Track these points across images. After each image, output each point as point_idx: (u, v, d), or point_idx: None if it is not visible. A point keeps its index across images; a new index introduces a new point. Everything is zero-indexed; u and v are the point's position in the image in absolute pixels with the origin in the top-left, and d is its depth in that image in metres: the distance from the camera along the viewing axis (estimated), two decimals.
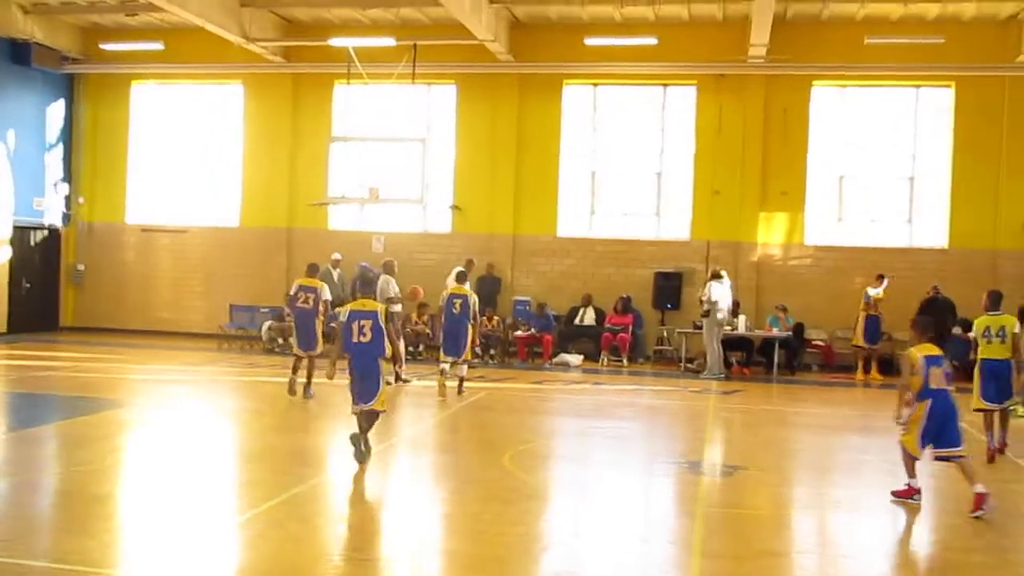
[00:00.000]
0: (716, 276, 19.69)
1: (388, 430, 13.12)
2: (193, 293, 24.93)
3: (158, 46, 23.48)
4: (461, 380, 15.69)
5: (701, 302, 19.89)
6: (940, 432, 9.17)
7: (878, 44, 20.54)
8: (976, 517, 8.63)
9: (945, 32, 20.62)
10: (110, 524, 7.96)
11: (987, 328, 11.88)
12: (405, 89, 22.22)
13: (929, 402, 9.15)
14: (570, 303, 22.57)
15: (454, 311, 15.47)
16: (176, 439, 11.77)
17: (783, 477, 10.88)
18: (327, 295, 15.14)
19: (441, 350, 15.81)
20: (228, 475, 10.20)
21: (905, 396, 9.27)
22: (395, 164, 21.01)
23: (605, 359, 21.11)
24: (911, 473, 9.39)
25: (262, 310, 22.95)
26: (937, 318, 14.39)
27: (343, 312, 10.50)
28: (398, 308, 16.97)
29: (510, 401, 15.87)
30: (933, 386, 9.16)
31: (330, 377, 10.64)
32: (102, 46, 24.32)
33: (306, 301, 14.81)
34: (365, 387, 10.26)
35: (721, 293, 19.50)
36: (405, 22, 22.66)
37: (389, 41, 21.69)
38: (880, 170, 22.36)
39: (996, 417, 11.91)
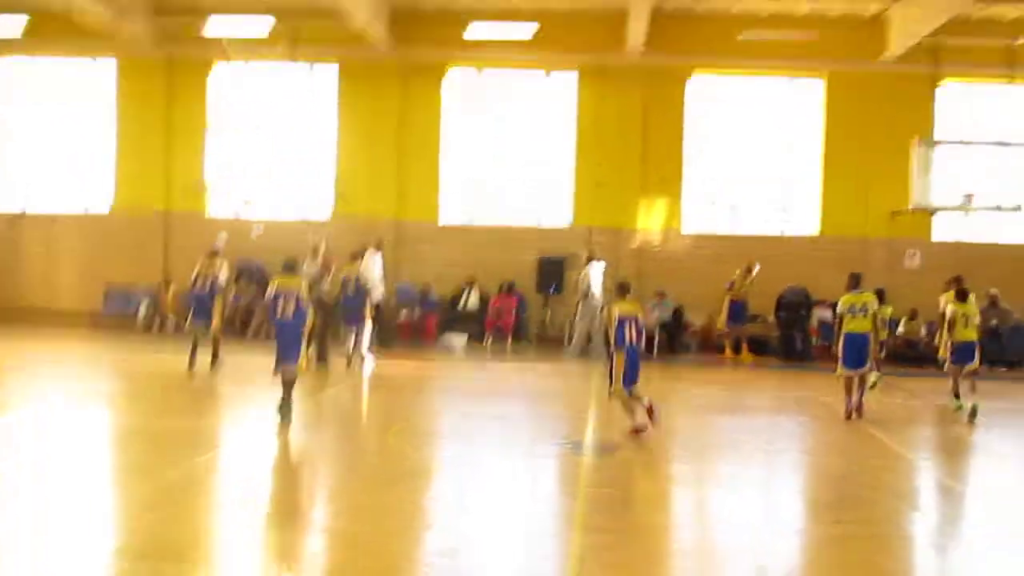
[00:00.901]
0: (592, 260, 20.08)
1: (269, 411, 12.98)
2: (65, 280, 23.93)
3: (23, 19, 22.39)
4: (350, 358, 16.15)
5: (577, 286, 20.25)
6: (634, 375, 11.47)
7: (752, 40, 21.08)
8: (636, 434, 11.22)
9: (814, 28, 21.34)
10: None
11: (851, 305, 13.43)
12: (285, 74, 21.95)
13: (624, 355, 11.41)
14: (454, 290, 22.59)
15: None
16: (52, 423, 11.39)
17: (663, 456, 11.12)
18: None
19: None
20: (105, 457, 9.95)
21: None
22: (277, 148, 20.77)
23: (489, 341, 21.22)
24: (635, 416, 11.48)
25: (139, 292, 22.42)
26: (794, 305, 19.44)
27: (270, 288, 11.73)
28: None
29: (394, 381, 15.81)
30: (627, 342, 11.41)
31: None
32: None
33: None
34: (289, 353, 11.35)
35: (596, 278, 19.88)
36: (284, 6, 22.11)
37: (268, 19, 21.24)
38: (755, 160, 22.98)
39: (855, 382, 13.38)
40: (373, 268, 17.68)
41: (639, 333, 11.55)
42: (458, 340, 21.05)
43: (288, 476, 9.37)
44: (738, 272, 20.84)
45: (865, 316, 13.38)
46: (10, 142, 24.49)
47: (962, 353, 14.01)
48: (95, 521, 7.43)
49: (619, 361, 11.44)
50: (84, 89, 24.19)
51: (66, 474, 8.87)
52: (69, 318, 23.08)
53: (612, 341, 11.55)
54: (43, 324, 22.70)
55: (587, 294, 19.80)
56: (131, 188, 23.65)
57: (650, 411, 11.39)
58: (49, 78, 24.36)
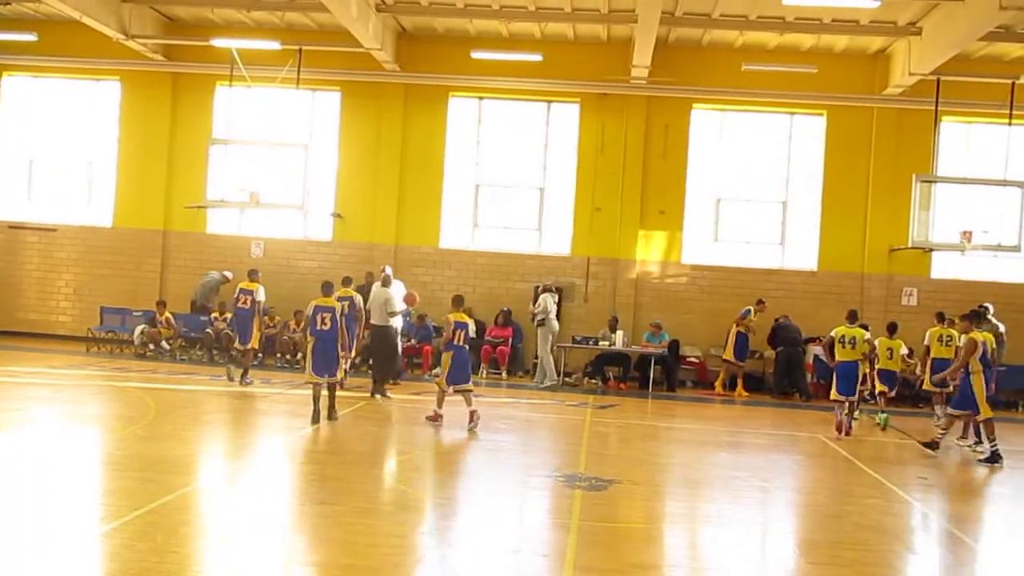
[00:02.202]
0: (548, 289, 20.41)
1: (264, 439, 12.92)
2: (61, 294, 24.06)
3: (31, 37, 22.58)
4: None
5: (533, 315, 20.35)
6: (459, 375, 14.00)
7: (755, 71, 21.17)
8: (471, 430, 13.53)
9: (818, 62, 21.43)
10: None
11: (843, 336, 15.53)
12: (289, 94, 22.01)
13: (452, 353, 14.02)
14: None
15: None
16: (39, 445, 11.32)
17: (656, 491, 11.06)
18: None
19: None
20: (93, 484, 9.86)
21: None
22: (276, 169, 20.76)
23: (484, 372, 21.16)
24: (441, 404, 14.09)
25: (134, 313, 22.33)
26: (789, 340, 19.94)
27: (309, 306, 14.08)
28: (397, 322, 17.35)
29: (389, 411, 15.74)
30: (456, 342, 14.02)
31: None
32: None
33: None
34: (328, 364, 13.72)
35: (552, 306, 20.09)
36: (291, 26, 22.48)
37: (274, 44, 21.47)
38: (755, 193, 23.01)
39: (847, 406, 15.49)
40: (397, 296, 17.49)
41: (467, 338, 14.24)
42: None
43: (276, 508, 9.28)
44: (753, 306, 20.84)
45: (853, 348, 15.40)
46: (16, 156, 24.52)
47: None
48: (74, 549, 7.35)
49: (446, 359, 14.16)
50: (90, 105, 24.26)
51: (50, 498, 8.80)
52: (64, 337, 23.12)
53: (445, 342, 14.41)
54: (37, 343, 22.69)
55: (543, 322, 19.92)
56: (132, 204, 23.69)
57: (472, 415, 13.88)
58: (56, 94, 24.46)
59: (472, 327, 14.47)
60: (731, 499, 10.72)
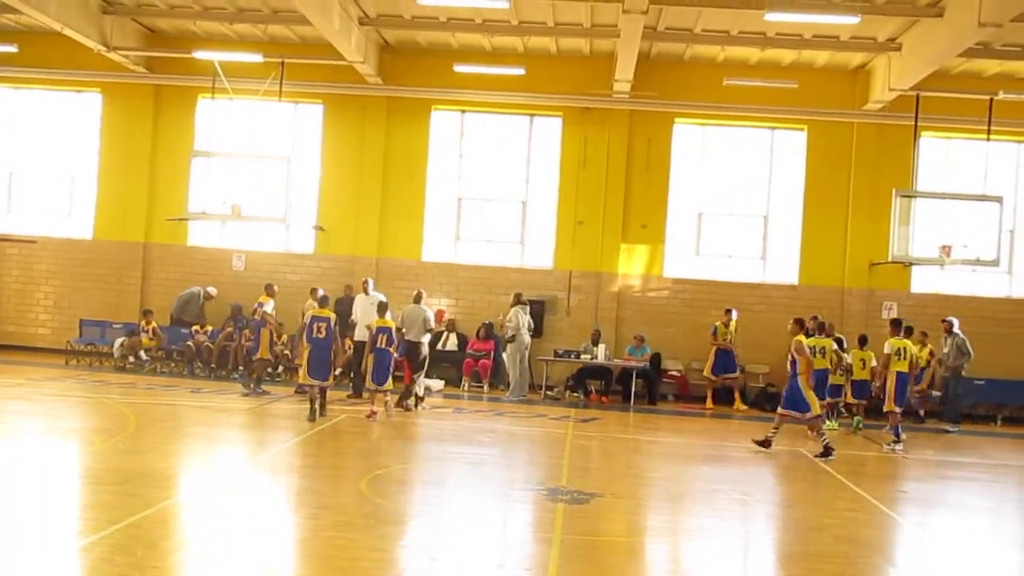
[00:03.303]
0: (519, 302, 20.09)
1: (244, 452, 12.88)
2: (40, 307, 23.92)
3: (12, 49, 22.50)
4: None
5: (503, 327, 20.29)
6: (382, 376, 15.83)
7: (737, 86, 21.30)
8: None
9: (799, 78, 21.59)
10: None
11: (813, 347, 16.42)
12: (271, 106, 21.99)
13: (310, 347, 15.37)
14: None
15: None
16: (17, 458, 11.24)
17: (638, 504, 11.07)
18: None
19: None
20: (72, 497, 9.79)
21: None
22: (258, 182, 20.68)
23: (466, 385, 21.14)
24: (374, 405, 15.92)
25: (114, 326, 22.22)
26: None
27: (306, 316, 15.93)
28: (427, 338, 17.61)
29: (368, 425, 15.70)
30: (379, 346, 15.84)
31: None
32: None
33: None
34: (322, 368, 15.40)
35: (524, 318, 19.96)
36: (273, 39, 22.45)
37: (256, 57, 21.44)
38: (736, 208, 23.10)
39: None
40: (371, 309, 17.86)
41: (389, 342, 15.94)
42: (435, 384, 20.94)
43: (257, 522, 9.23)
44: (720, 321, 20.94)
45: (824, 356, 17.15)
46: None
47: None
48: (53, 564, 7.30)
49: (370, 360, 15.93)
50: (71, 117, 24.18)
51: (28, 512, 8.75)
52: (44, 350, 23.01)
53: (369, 345, 16.10)
54: (16, 355, 22.55)
55: (513, 338, 19.82)
56: (113, 217, 23.57)
57: (385, 406, 16.13)
58: (37, 106, 24.35)
59: (394, 333, 16.30)
60: (712, 512, 10.74)
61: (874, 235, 21.59)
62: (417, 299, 17.71)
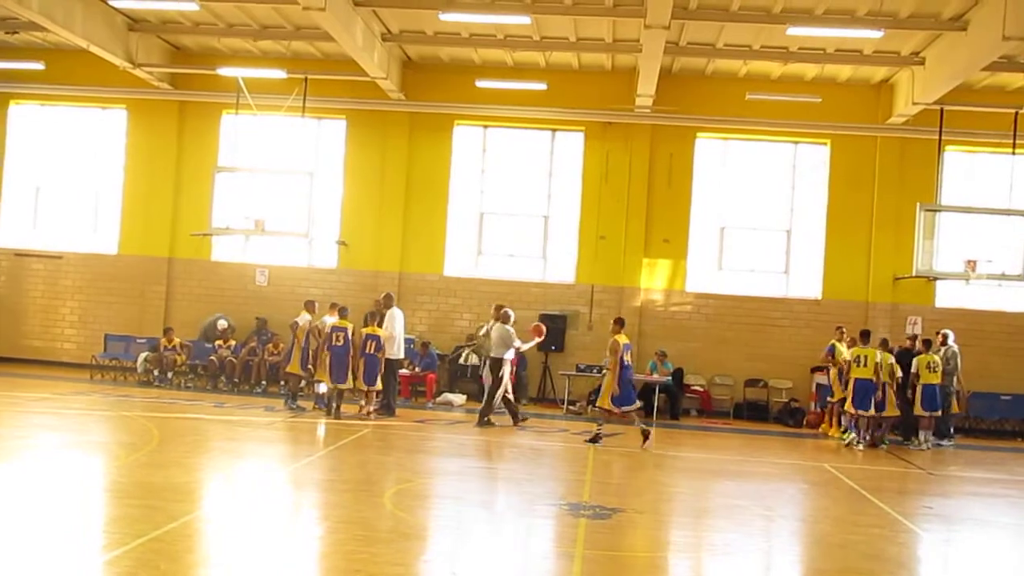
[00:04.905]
0: (501, 317, 18.55)
1: (267, 467, 12.91)
2: (66, 321, 24.11)
3: (39, 66, 22.77)
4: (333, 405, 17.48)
5: (475, 342, 20.32)
6: (336, 371, 17.24)
7: (759, 100, 21.27)
8: None
9: (822, 92, 21.55)
10: None
11: (857, 356, 17.40)
12: (294, 122, 22.13)
13: (329, 354, 17.28)
14: (455, 342, 22.56)
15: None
16: (43, 472, 11.31)
17: (661, 520, 11.02)
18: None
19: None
20: (96, 511, 9.84)
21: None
22: (281, 197, 20.82)
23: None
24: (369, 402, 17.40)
25: (138, 340, 22.37)
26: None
27: (324, 324, 17.97)
28: (511, 355, 17.89)
29: (391, 439, 15.72)
30: (333, 344, 17.33)
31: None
32: None
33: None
34: (341, 372, 17.30)
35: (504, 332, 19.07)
36: (296, 55, 22.59)
37: (280, 73, 21.62)
38: (759, 222, 23.04)
39: (864, 421, 17.45)
40: (397, 324, 18.45)
41: (377, 348, 17.43)
42: (456, 398, 20.93)
43: (279, 536, 9.24)
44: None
45: (866, 366, 17.31)
46: (23, 184, 24.64)
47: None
48: None
49: (360, 364, 17.43)
50: (96, 133, 24.43)
51: (54, 525, 8.79)
52: (68, 364, 23.17)
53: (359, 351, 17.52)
54: (41, 369, 22.71)
55: (488, 352, 18.64)
56: (137, 232, 23.77)
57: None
58: (63, 122, 24.62)
59: (383, 338, 17.62)
60: (736, 528, 10.66)
61: (898, 249, 21.51)
62: (504, 319, 17.97)
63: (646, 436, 15.88)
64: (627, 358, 16.15)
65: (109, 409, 17.24)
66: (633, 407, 16.22)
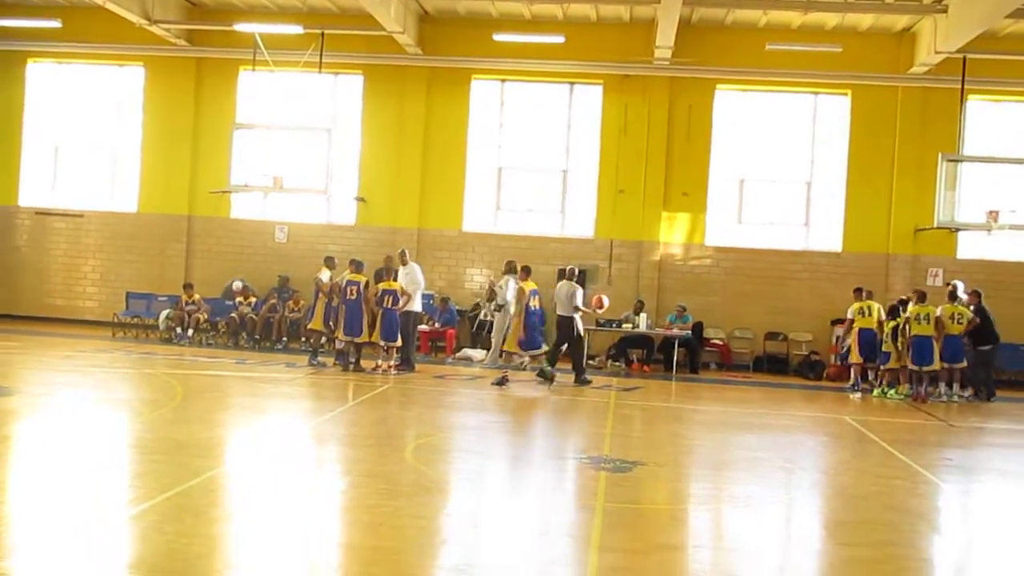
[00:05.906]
0: (511, 270, 18.84)
1: (289, 422, 13.01)
2: (88, 280, 24.27)
3: (55, 24, 22.72)
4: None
5: (494, 293, 19.75)
6: (350, 325, 17.59)
7: (779, 51, 21.04)
8: None
9: (843, 41, 21.27)
10: None
11: (918, 314, 17.76)
12: (311, 78, 22.06)
13: (344, 308, 17.54)
14: (473, 298, 22.59)
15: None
16: (67, 429, 11.44)
17: (681, 472, 11.06)
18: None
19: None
20: (121, 467, 9.95)
21: None
22: (299, 154, 20.81)
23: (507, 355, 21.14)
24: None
25: (159, 298, 22.50)
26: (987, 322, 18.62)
27: (342, 279, 17.94)
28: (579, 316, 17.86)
29: (412, 395, 15.81)
30: (348, 298, 17.55)
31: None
32: None
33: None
34: (354, 326, 17.58)
35: (512, 290, 18.72)
36: (313, 10, 22.49)
37: (296, 28, 21.51)
38: (779, 174, 22.87)
39: (924, 376, 17.80)
40: (417, 278, 18.51)
41: (358, 295, 17.71)
42: (476, 354, 20.98)
43: (302, 489, 9.33)
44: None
45: (928, 323, 17.72)
46: (42, 143, 24.69)
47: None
48: (103, 531, 7.42)
49: (341, 311, 17.71)
50: (114, 91, 24.42)
51: (79, 481, 8.90)
52: (90, 322, 23.35)
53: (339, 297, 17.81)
54: (64, 328, 22.90)
55: (502, 306, 19.18)
56: (156, 190, 23.85)
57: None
58: (80, 80, 24.61)
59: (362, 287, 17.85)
60: (756, 480, 10.70)
61: (919, 200, 21.34)
62: (570, 275, 17.97)
63: (503, 382, 16.72)
64: (533, 304, 17.18)
65: (132, 366, 17.39)
66: (540, 351, 17.57)
